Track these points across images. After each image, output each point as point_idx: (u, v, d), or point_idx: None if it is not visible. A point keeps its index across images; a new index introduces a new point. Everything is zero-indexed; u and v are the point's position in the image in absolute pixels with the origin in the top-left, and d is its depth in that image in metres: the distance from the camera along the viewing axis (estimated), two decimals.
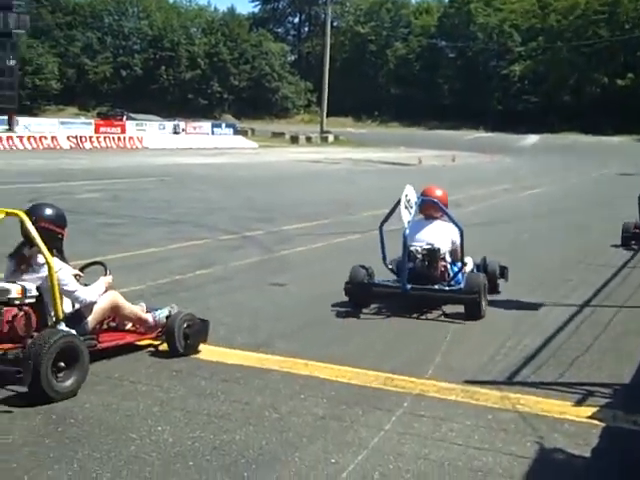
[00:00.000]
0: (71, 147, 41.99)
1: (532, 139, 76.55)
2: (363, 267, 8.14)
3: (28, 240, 5.55)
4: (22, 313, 5.37)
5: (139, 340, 6.17)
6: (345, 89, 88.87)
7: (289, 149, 50.98)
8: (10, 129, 44.00)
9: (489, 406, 5.11)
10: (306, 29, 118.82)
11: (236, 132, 59.19)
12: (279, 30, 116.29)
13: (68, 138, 43.00)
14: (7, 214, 5.56)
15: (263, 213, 16.15)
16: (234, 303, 8.07)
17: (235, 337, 6.66)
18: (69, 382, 5.03)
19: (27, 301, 5.44)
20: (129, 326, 6.24)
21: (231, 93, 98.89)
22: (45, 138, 41.85)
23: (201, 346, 6.23)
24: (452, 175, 32.41)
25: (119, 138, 46.13)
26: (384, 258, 8.22)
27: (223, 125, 60.99)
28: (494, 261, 8.83)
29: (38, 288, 5.50)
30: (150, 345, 6.21)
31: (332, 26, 75.32)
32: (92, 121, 51.96)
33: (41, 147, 40.49)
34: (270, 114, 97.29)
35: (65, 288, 5.55)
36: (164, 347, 6.12)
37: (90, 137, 44.66)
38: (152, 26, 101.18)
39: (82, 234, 11.73)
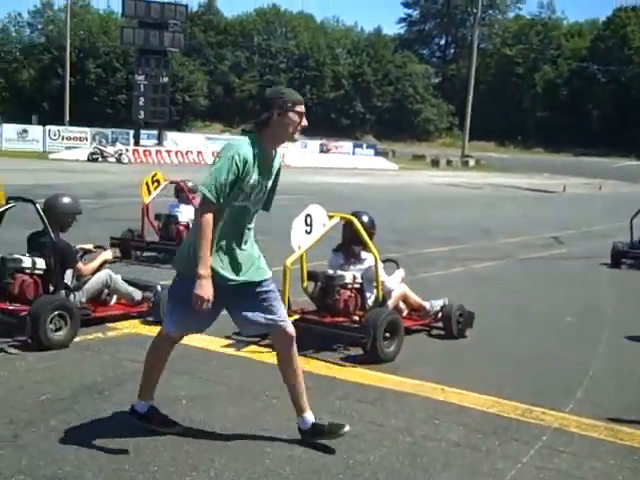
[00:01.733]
0: None
1: None
2: None
3: (355, 239, 7.02)
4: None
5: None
6: (488, 112, 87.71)
7: (429, 172, 50.73)
8: (159, 143, 45.91)
9: (635, 447, 4.86)
10: (452, 51, 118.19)
11: (377, 153, 59.49)
12: (424, 52, 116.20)
13: (213, 154, 44.36)
14: (341, 218, 6.88)
15: (403, 235, 16.10)
16: None
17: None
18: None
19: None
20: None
21: (373, 114, 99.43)
22: (191, 153, 43.45)
23: (338, 367, 6.29)
24: (599, 204, 31.34)
25: None
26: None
27: (364, 146, 61.46)
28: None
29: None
30: None
31: (478, 48, 74.60)
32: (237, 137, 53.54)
33: (187, 162, 42.01)
34: (411, 136, 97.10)
35: (381, 278, 6.94)
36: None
37: None
38: (299, 46, 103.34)
39: None
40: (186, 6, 52.82)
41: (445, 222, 19.98)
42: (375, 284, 6.94)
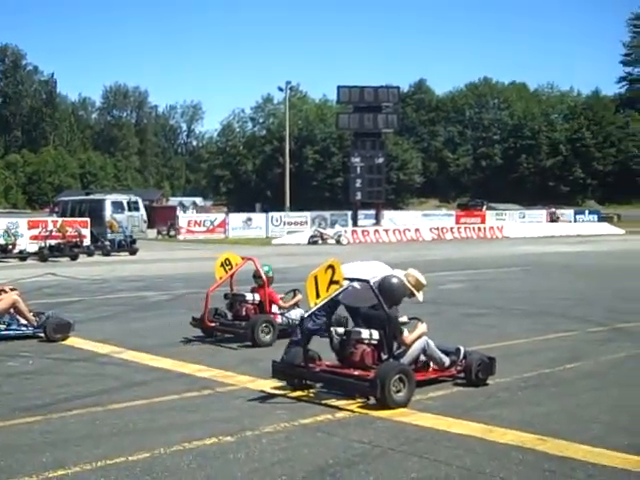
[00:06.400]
0: (432, 238, 43.38)
1: None
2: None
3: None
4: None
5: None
6: None
7: None
8: (377, 222, 46.75)
9: None
10: None
11: (600, 218, 57.13)
12: None
13: (430, 230, 44.54)
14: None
15: (636, 304, 15.17)
16: (610, 399, 7.58)
17: (612, 437, 6.22)
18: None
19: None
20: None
21: (594, 178, 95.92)
22: (408, 230, 43.80)
23: (577, 445, 5.96)
24: None
25: (479, 228, 46.77)
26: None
27: (586, 212, 59.30)
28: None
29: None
30: None
31: None
32: (453, 212, 53.46)
33: (404, 239, 42.37)
34: (638, 199, 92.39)
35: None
36: None
37: (451, 228, 45.88)
38: (512, 116, 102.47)
39: (446, 324, 12.05)
40: (398, 88, 54.10)
41: None
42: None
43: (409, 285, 8.15)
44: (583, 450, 5.87)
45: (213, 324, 11.22)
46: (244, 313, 11.17)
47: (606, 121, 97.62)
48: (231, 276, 11.34)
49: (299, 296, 11.36)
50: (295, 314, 11.00)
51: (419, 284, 8.25)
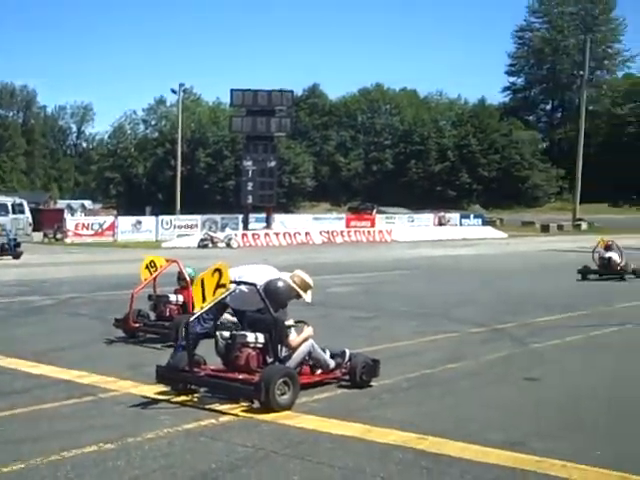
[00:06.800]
0: (323, 242, 43.69)
1: None
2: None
3: None
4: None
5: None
6: (600, 174, 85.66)
7: (539, 238, 49.62)
8: (268, 226, 46.74)
9: None
10: (558, 115, 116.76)
11: (484, 222, 58.82)
12: (530, 118, 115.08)
13: (320, 233, 44.83)
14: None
15: (514, 305, 15.73)
16: (486, 398, 7.86)
17: (487, 434, 6.45)
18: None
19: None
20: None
21: (480, 183, 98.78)
22: (299, 234, 43.94)
23: (454, 443, 6.14)
24: None
25: (369, 232, 47.31)
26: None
27: (471, 216, 60.94)
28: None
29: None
30: None
31: (587, 110, 73.30)
32: (343, 216, 54.00)
33: (294, 242, 42.53)
34: (519, 203, 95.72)
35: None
36: None
37: (341, 231, 46.28)
38: (403, 121, 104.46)
39: (333, 327, 12.18)
40: (292, 92, 54.22)
41: (561, 289, 19.38)
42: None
43: (295, 286, 8.20)
44: (460, 447, 6.06)
45: (137, 325, 11.31)
46: (168, 314, 11.37)
47: (491, 129, 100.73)
48: (154, 278, 11.36)
49: None
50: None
51: (306, 285, 8.31)
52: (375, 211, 62.31)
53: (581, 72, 70.91)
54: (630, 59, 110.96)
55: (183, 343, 8.40)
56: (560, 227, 59.67)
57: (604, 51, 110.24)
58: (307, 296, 8.32)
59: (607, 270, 21.44)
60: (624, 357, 10.44)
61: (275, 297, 7.91)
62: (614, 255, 21.81)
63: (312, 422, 6.82)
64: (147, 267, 11.36)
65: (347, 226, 48.45)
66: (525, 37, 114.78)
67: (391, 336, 11.60)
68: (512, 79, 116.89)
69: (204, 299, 7.73)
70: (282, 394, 7.14)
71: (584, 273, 21.47)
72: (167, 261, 11.53)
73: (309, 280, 8.36)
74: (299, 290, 8.23)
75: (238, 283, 8.11)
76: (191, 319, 8.05)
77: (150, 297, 11.71)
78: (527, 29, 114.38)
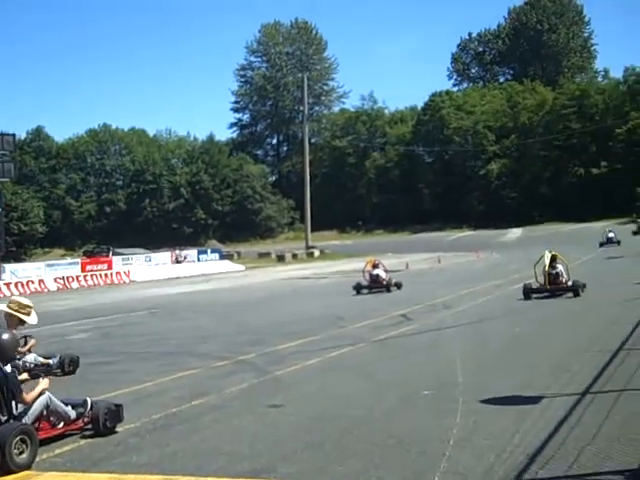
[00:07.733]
0: (58, 288, 42.00)
1: (516, 233, 77.48)
2: None
3: None
4: None
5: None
6: (327, 202, 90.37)
7: (276, 268, 51.19)
8: None
9: None
10: (285, 148, 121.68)
11: (222, 257, 59.49)
12: (258, 152, 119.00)
13: (55, 280, 43.07)
14: None
15: (255, 335, 16.09)
16: (232, 430, 7.98)
17: (235, 466, 6.56)
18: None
19: None
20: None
21: (215, 218, 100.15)
22: (32, 282, 41.92)
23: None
24: (440, 277, 32.60)
25: (106, 274, 46.19)
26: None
27: (209, 251, 61.37)
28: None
29: None
30: None
31: (310, 143, 77.17)
32: (78, 260, 52.23)
33: (28, 291, 40.45)
34: (255, 235, 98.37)
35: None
36: None
37: (77, 276, 44.78)
38: (134, 161, 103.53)
39: (72, 377, 11.81)
40: (14, 135, 51.61)
41: (297, 315, 20.11)
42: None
43: (15, 313, 7.98)
44: None
45: None
46: None
47: (222, 164, 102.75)
48: None
49: (33, 341, 11.39)
50: (30, 358, 11.06)
51: (23, 306, 8.18)
52: (111, 253, 60.87)
53: (301, 107, 74.62)
54: (344, 95, 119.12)
55: None
56: (295, 256, 61.89)
57: (321, 88, 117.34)
58: (31, 318, 8.15)
59: (376, 284, 25.52)
60: (355, 372, 11.06)
61: (2, 351, 7.50)
62: (380, 272, 26.00)
63: (56, 479, 6.57)
64: None
65: (83, 270, 46.83)
66: (247, 75, 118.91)
67: (134, 379, 11.42)
68: (238, 115, 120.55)
69: None
70: (20, 453, 6.80)
71: (358, 288, 25.32)
72: None
73: (26, 301, 8.26)
74: (20, 315, 8.00)
75: None
76: None
77: None
78: (248, 68, 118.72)
